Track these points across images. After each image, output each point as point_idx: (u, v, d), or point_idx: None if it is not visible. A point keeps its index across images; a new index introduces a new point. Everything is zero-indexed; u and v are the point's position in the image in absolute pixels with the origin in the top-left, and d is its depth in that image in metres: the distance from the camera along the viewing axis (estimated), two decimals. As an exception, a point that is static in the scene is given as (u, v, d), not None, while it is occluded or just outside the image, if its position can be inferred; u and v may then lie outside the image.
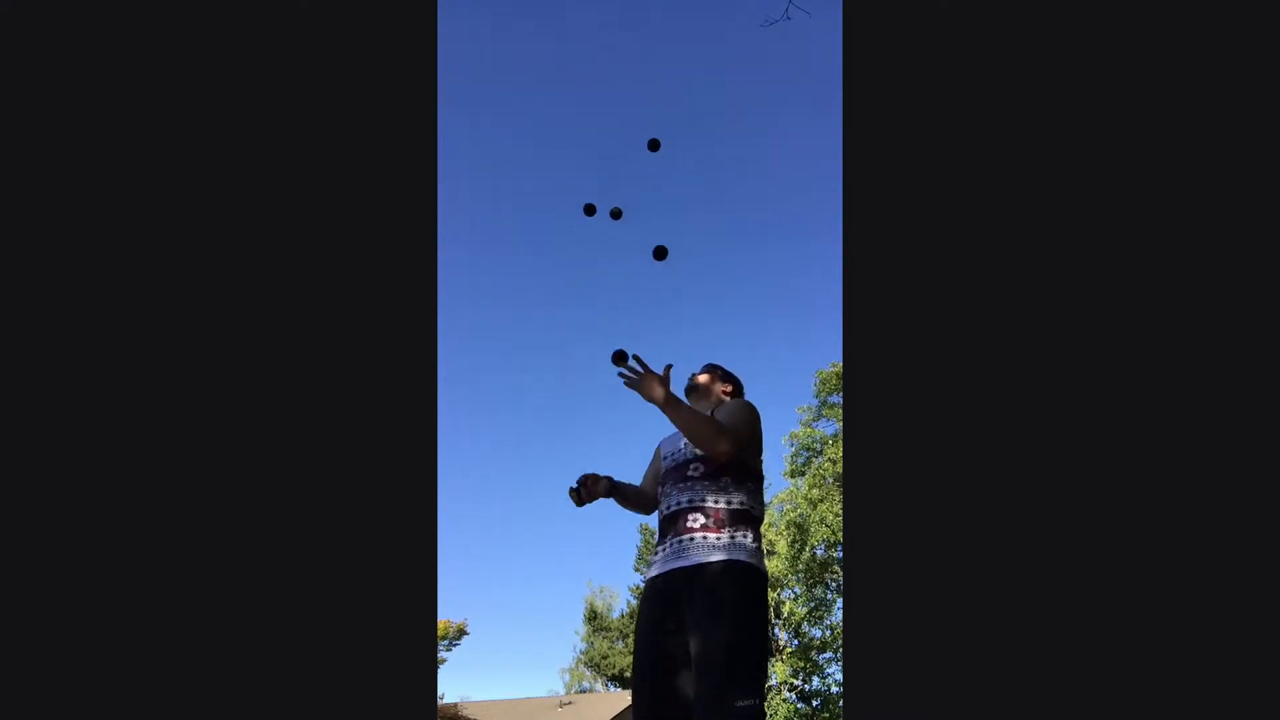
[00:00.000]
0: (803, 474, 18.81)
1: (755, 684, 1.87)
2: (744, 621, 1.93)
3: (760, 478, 2.22)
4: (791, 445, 19.23)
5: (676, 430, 2.33)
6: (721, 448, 2.08)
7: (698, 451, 2.17)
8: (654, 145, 2.61)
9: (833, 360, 18.55)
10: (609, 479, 2.37)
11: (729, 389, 2.48)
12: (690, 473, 2.17)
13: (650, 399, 2.07)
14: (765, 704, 1.89)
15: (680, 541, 2.08)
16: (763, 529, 19.74)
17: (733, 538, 2.05)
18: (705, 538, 2.05)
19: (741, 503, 2.12)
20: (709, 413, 2.27)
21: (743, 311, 33.50)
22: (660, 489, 2.26)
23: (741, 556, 2.02)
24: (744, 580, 1.99)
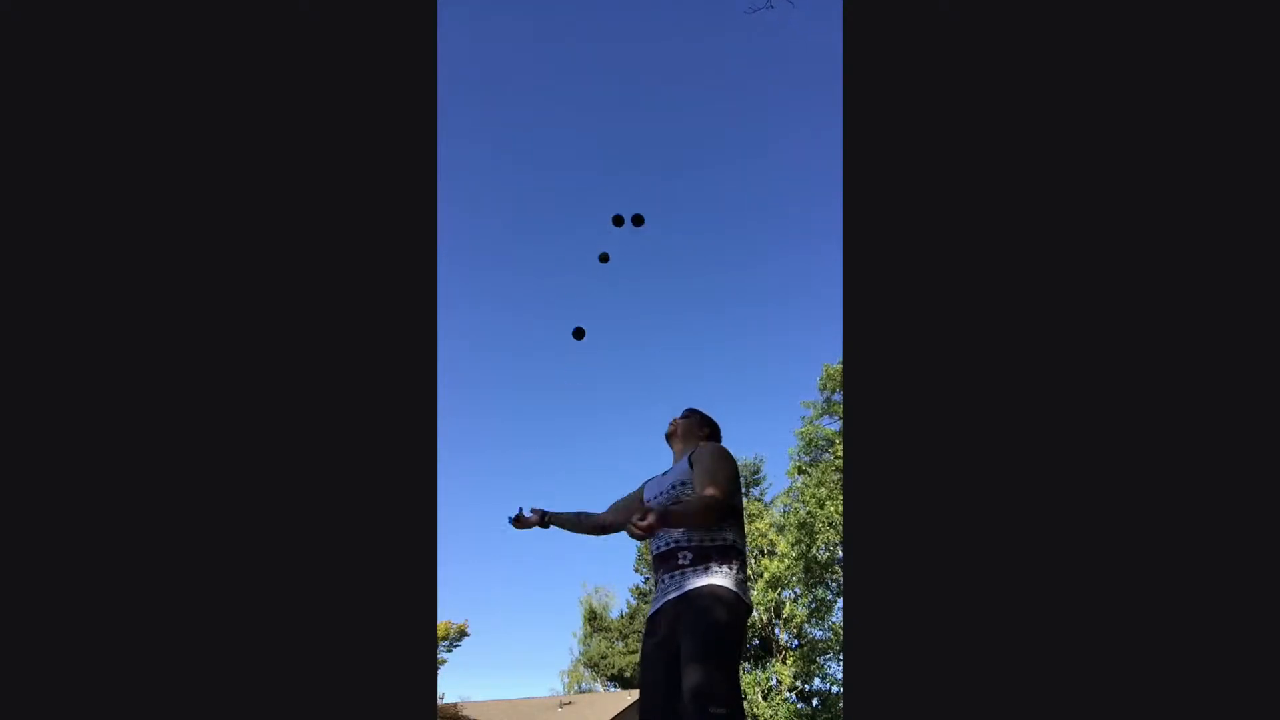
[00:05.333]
0: (806, 472, 18.71)
1: (728, 694, 2.05)
2: (719, 639, 2.13)
3: (740, 513, 2.43)
4: (797, 442, 19.14)
5: (660, 474, 2.59)
6: (715, 519, 2.30)
7: (679, 495, 2.40)
8: (612, 248, 2.84)
9: (840, 358, 18.38)
10: (539, 512, 2.74)
11: (706, 433, 2.65)
12: None
13: (655, 531, 2.22)
14: (739, 712, 2.07)
15: (672, 577, 2.31)
16: (765, 528, 19.25)
17: (714, 566, 2.26)
18: (694, 570, 2.27)
19: (724, 538, 2.31)
20: (687, 457, 2.50)
21: (746, 309, 33.51)
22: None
23: (720, 582, 2.23)
24: (720, 603, 2.19)
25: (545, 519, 2.73)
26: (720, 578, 2.22)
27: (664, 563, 2.35)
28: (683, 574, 2.26)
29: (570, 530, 2.73)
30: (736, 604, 2.20)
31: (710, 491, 2.29)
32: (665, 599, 2.29)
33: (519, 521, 2.73)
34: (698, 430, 2.63)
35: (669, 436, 2.66)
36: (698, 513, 2.25)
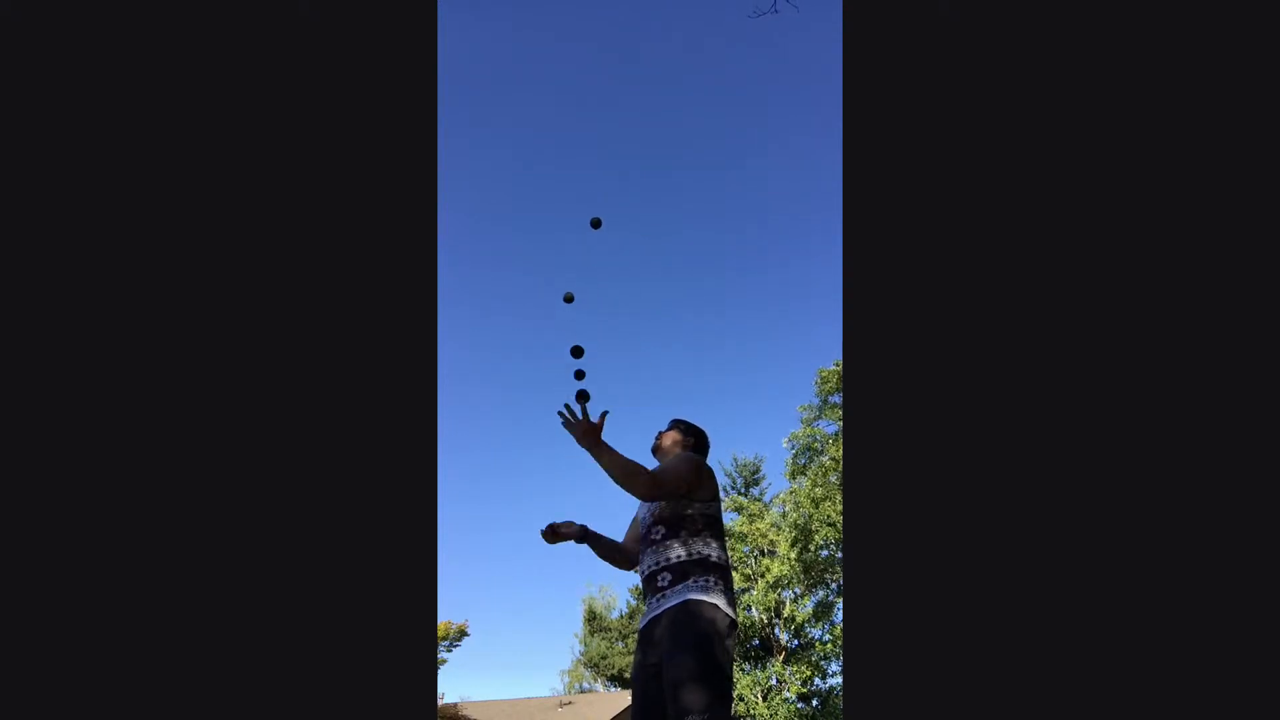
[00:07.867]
0: (804, 474, 18.75)
1: (707, 701, 2.09)
2: (696, 648, 2.17)
3: (717, 523, 2.45)
4: (793, 446, 19.19)
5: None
6: (638, 491, 2.33)
7: (654, 515, 2.43)
8: (596, 223, 2.80)
9: (835, 359, 18.48)
10: (582, 526, 2.64)
11: (690, 443, 2.67)
12: (653, 536, 2.42)
13: (581, 444, 2.32)
14: (727, 716, 2.11)
15: (655, 598, 2.37)
16: (765, 528, 19.17)
17: (694, 581, 2.31)
18: (673, 589, 2.32)
19: (699, 551, 2.36)
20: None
21: (745, 309, 33.52)
22: (639, 553, 2.55)
23: (696, 594, 2.27)
24: (697, 613, 2.23)
25: (585, 536, 2.60)
26: (699, 592, 2.27)
27: (648, 585, 2.41)
28: (663, 596, 2.32)
29: (602, 555, 2.64)
30: (716, 615, 2.23)
31: (662, 469, 2.35)
32: (650, 615, 2.34)
33: (554, 534, 2.57)
34: (683, 441, 2.65)
35: (655, 450, 2.67)
36: (623, 474, 2.29)
